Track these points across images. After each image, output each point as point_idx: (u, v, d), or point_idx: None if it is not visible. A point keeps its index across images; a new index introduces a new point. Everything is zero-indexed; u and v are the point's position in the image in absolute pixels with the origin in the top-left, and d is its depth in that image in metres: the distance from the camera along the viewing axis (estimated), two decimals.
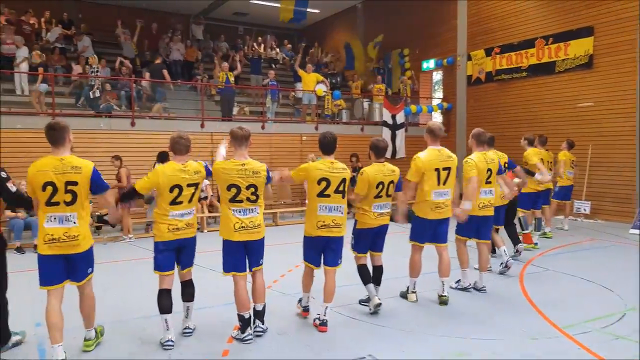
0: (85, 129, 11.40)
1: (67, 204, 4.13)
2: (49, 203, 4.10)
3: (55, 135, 4.18)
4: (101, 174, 4.34)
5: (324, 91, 15.76)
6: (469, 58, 16.51)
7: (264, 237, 4.80)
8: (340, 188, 4.97)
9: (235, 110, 15.00)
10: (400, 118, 16.20)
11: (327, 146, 5.08)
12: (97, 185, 4.27)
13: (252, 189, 4.61)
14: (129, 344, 4.72)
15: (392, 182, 5.40)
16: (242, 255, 4.68)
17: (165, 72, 14.06)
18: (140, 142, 12.00)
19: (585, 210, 12.19)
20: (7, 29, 13.93)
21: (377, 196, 5.32)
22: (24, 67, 13.11)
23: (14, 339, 4.60)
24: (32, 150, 9.59)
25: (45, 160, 4.14)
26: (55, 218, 4.12)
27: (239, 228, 4.58)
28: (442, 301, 5.78)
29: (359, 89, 17.94)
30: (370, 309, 5.46)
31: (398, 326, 5.10)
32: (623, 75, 12.28)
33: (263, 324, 4.87)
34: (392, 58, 19.38)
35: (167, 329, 4.57)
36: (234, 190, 4.56)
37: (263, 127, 14.01)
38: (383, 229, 5.52)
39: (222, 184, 4.62)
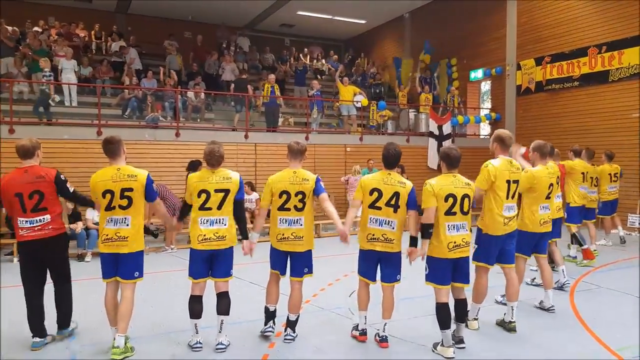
0: (131, 139, 11.66)
1: (122, 208, 4.53)
2: (108, 208, 4.55)
3: (112, 149, 4.63)
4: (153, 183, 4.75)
5: (357, 101, 15.54)
6: (519, 67, 15.98)
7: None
8: (392, 202, 4.68)
9: (279, 121, 15.01)
10: (446, 129, 15.81)
11: (388, 159, 4.83)
12: (148, 193, 4.67)
13: (300, 196, 4.78)
14: (162, 355, 4.67)
15: (466, 196, 4.67)
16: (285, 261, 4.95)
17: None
18: (185, 152, 12.10)
19: (639, 224, 11.52)
20: (59, 41, 14.45)
21: (449, 212, 4.62)
22: (72, 78, 13.44)
23: (72, 325, 5.05)
24: (76, 159, 9.84)
25: (104, 170, 4.60)
26: (111, 220, 4.57)
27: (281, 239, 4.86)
28: (511, 328, 5.23)
29: (406, 98, 17.63)
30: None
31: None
32: None
33: (294, 332, 4.96)
34: (439, 68, 19.00)
35: (196, 332, 4.73)
36: (284, 196, 4.77)
37: (307, 138, 13.93)
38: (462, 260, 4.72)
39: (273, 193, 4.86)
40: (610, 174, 9.85)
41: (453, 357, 4.53)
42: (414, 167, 14.23)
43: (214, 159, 4.69)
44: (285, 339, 4.84)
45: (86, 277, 5.04)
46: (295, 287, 4.90)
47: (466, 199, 4.65)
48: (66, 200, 5.06)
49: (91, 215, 9.52)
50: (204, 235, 4.61)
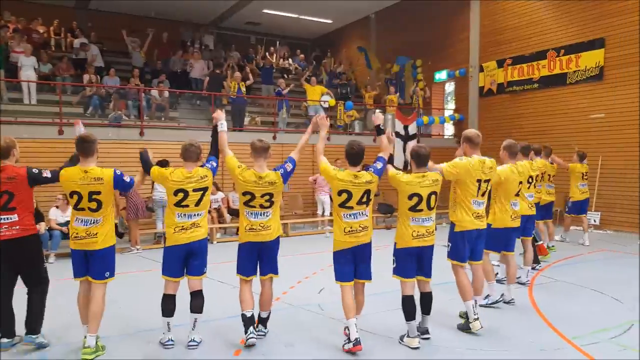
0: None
1: (92, 210, 4.55)
2: (77, 208, 4.59)
3: (86, 147, 4.59)
4: (123, 174, 4.70)
5: (324, 101, 15.65)
6: (481, 69, 16.38)
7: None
8: (364, 199, 4.72)
9: (246, 120, 14.93)
10: (412, 129, 16.03)
11: (352, 157, 4.83)
12: (121, 186, 4.69)
13: (267, 197, 4.77)
14: (134, 354, 4.64)
15: (433, 193, 4.79)
16: (254, 260, 4.86)
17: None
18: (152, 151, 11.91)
19: (595, 221, 12.04)
20: (16, 37, 13.98)
21: (414, 209, 4.74)
22: (31, 75, 13.04)
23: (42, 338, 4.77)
24: (38, 159, 9.51)
25: (72, 170, 4.57)
26: (81, 220, 4.59)
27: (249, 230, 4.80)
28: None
29: (372, 99, 17.82)
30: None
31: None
32: (632, 87, 12.19)
33: (265, 328, 5.01)
34: (405, 69, 19.27)
35: (168, 330, 4.73)
36: (248, 196, 4.75)
37: (274, 138, 13.91)
38: (425, 250, 4.86)
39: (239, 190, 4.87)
40: (584, 173, 10.16)
41: (418, 347, 4.70)
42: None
43: (192, 153, 4.78)
44: (258, 335, 4.84)
45: (51, 279, 4.87)
46: (265, 285, 4.92)
47: (433, 196, 4.77)
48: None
49: (54, 215, 9.27)
50: (182, 226, 4.68)
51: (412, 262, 4.79)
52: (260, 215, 4.77)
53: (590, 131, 13.11)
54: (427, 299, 4.93)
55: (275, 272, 4.94)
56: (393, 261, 4.88)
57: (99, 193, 4.53)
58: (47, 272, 4.85)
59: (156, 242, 10.80)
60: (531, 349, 4.76)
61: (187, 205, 4.69)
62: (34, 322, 4.70)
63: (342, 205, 4.71)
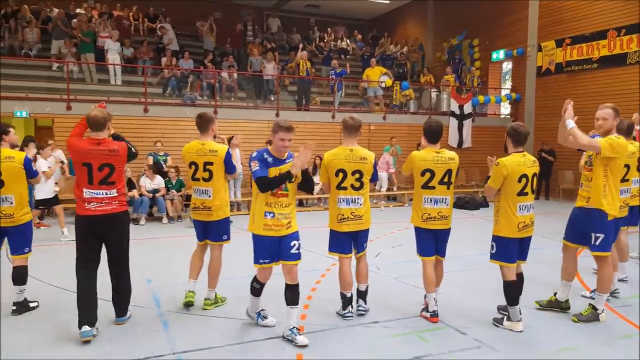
0: (173, 116, 12.74)
1: (205, 180, 4.96)
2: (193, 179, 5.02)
3: (201, 123, 5.06)
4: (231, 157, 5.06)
5: (382, 81, 16.17)
6: (540, 49, 16.48)
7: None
8: (445, 179, 4.69)
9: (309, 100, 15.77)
10: (467, 108, 16.48)
11: (433, 134, 4.76)
12: (227, 166, 5.02)
13: (357, 175, 4.69)
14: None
15: (535, 174, 4.60)
16: (347, 244, 4.81)
17: None
18: (222, 129, 12.98)
19: None
20: (102, 22, 15.38)
21: (522, 193, 4.52)
22: (117, 58, 14.43)
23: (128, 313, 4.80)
24: (127, 135, 10.73)
25: (191, 144, 5.03)
26: (197, 191, 5.03)
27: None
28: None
29: (431, 79, 18.21)
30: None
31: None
32: None
33: (365, 304, 4.98)
34: (462, 49, 19.55)
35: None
36: (340, 175, 4.69)
37: (333, 117, 14.75)
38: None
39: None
40: None
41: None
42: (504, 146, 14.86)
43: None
44: (358, 310, 4.93)
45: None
46: (360, 260, 4.94)
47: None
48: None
49: (144, 182, 10.56)
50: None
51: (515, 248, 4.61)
52: (352, 202, 4.73)
53: None
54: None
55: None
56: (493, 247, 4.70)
57: (211, 164, 4.92)
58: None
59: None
60: None
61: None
62: (125, 303, 4.69)
63: (425, 186, 4.68)
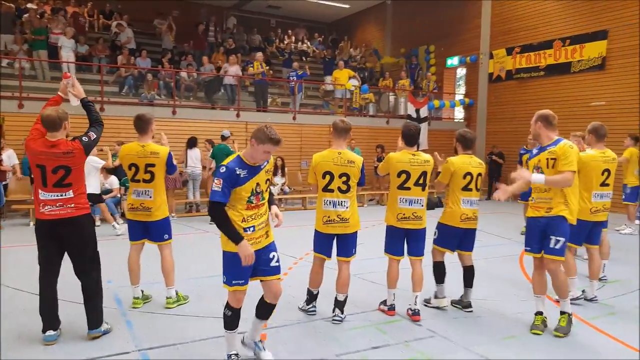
0: (131, 115, 12.51)
1: (146, 181, 5.03)
2: (133, 180, 5.06)
3: (141, 125, 5.07)
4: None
5: (353, 86, 16.55)
6: (491, 56, 17.18)
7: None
8: (421, 181, 4.86)
9: (268, 101, 15.88)
10: (423, 112, 16.95)
11: (411, 138, 4.95)
12: (169, 167, 5.13)
13: (344, 178, 4.69)
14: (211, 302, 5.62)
15: (480, 174, 5.11)
16: (330, 246, 4.83)
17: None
18: (181, 130, 12.91)
19: None
20: (55, 18, 14.96)
21: (466, 189, 5.01)
22: (71, 56, 14.00)
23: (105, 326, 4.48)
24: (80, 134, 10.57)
25: (130, 145, 5.07)
26: (136, 192, 5.08)
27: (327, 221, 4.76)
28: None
29: (390, 83, 18.60)
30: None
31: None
32: (632, 77, 13.05)
33: (342, 314, 4.86)
34: (418, 54, 20.09)
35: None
36: (327, 177, 4.70)
37: (294, 118, 14.90)
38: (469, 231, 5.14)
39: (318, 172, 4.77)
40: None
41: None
42: (393, 146, 15.11)
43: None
44: (334, 320, 4.83)
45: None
46: (342, 267, 4.87)
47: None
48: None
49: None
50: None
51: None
52: (338, 205, 4.75)
53: (592, 118, 13.83)
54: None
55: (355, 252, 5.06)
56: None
57: (153, 165, 4.98)
58: (99, 254, 4.47)
59: (187, 211, 12.02)
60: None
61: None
62: (96, 314, 4.36)
63: (401, 187, 4.83)
